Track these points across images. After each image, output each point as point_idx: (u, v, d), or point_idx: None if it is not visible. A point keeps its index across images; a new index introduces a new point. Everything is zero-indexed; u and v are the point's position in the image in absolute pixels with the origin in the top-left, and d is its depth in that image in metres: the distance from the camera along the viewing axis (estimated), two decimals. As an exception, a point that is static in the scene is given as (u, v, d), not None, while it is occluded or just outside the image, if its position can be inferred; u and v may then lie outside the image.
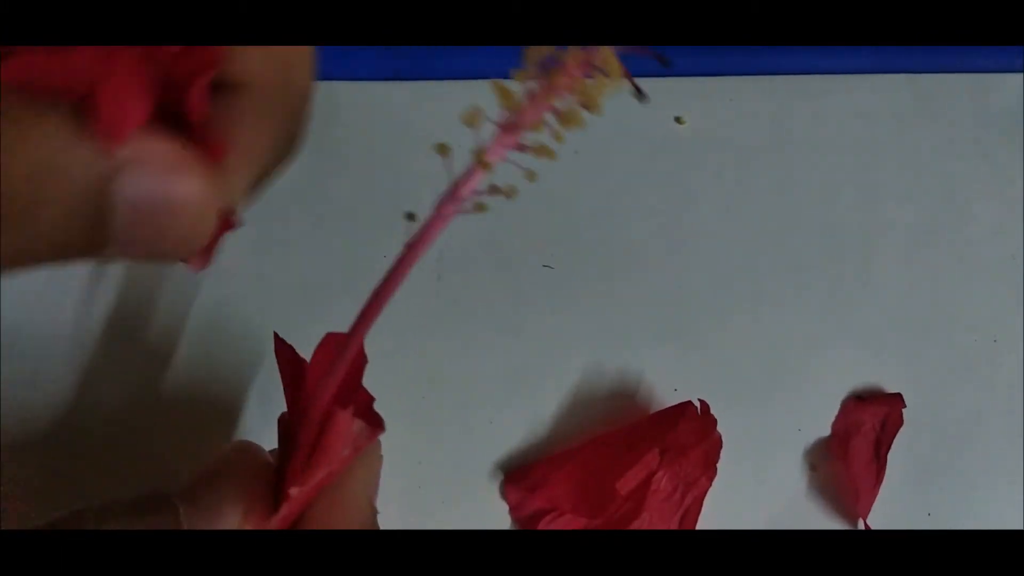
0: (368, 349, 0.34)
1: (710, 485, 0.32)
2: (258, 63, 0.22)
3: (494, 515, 0.32)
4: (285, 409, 0.26)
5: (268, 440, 0.26)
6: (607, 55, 0.21)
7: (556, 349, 0.34)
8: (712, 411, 0.32)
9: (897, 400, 0.34)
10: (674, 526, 0.32)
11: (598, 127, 0.36)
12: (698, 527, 0.32)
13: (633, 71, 0.37)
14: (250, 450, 0.26)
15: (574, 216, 0.35)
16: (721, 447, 0.32)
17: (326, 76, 0.36)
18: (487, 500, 0.32)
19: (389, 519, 0.32)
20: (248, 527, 0.25)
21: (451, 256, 0.34)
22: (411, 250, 0.24)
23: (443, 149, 0.22)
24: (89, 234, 0.18)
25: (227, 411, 0.32)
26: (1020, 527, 0.34)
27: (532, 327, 0.34)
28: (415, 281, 0.34)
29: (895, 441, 0.34)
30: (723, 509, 0.33)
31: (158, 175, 0.19)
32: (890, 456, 0.34)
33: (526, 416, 0.33)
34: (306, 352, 0.26)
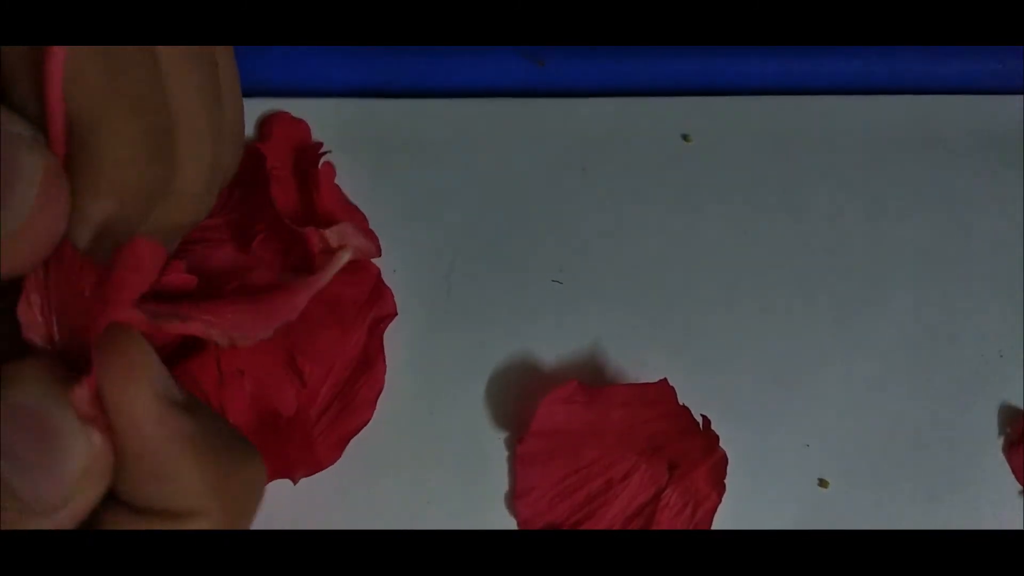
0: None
1: (720, 501, 0.32)
2: None
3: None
4: None
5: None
6: None
7: (565, 365, 0.34)
8: (720, 427, 0.32)
9: None
10: (684, 542, 0.32)
11: (605, 144, 0.36)
12: (707, 544, 0.32)
13: (636, 81, 0.37)
14: None
15: (582, 232, 0.35)
16: (727, 463, 0.32)
17: (321, 82, 0.37)
18: (495, 516, 0.32)
19: (398, 535, 0.32)
20: None
21: (460, 271, 0.34)
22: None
23: None
24: None
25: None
26: (1020, 527, 0.34)
27: (541, 342, 0.34)
28: (425, 296, 0.34)
29: (902, 458, 0.34)
30: (732, 526, 0.32)
31: None
32: (899, 474, 0.34)
33: (535, 431, 0.33)
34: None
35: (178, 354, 0.27)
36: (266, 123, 0.34)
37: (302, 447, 0.30)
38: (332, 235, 0.31)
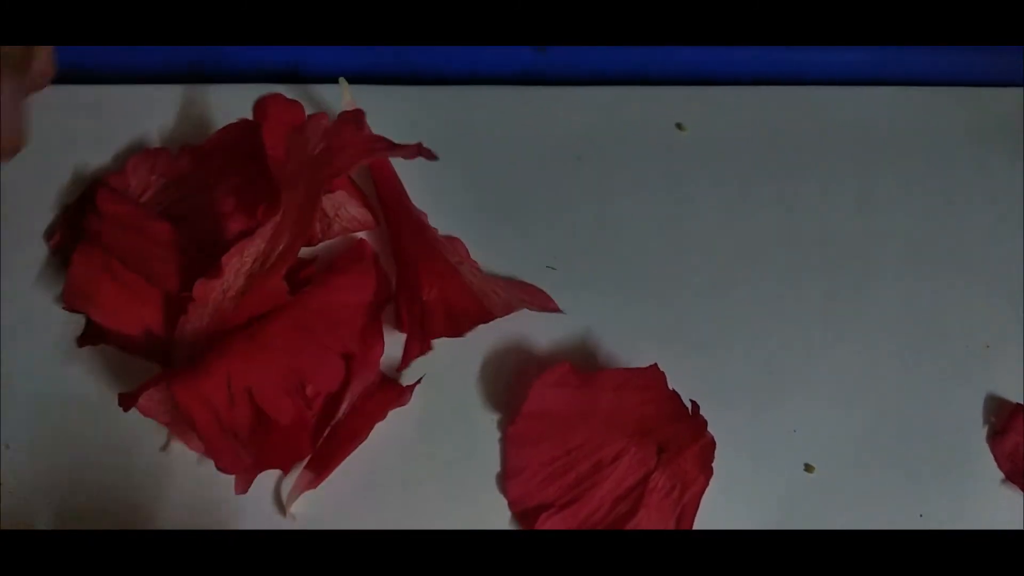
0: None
1: (707, 484, 0.32)
2: None
3: (494, 511, 0.33)
4: None
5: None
6: None
7: (557, 349, 0.35)
8: (710, 411, 0.32)
9: None
10: (671, 525, 0.32)
11: (600, 133, 0.37)
12: (695, 527, 0.33)
13: (632, 70, 0.38)
14: None
15: (576, 219, 0.36)
16: (715, 447, 0.33)
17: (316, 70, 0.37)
18: (487, 496, 0.33)
19: (390, 515, 0.32)
20: None
21: (455, 256, 0.35)
22: None
23: None
24: None
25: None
26: (1020, 527, 0.34)
27: (534, 327, 0.34)
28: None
29: (888, 445, 0.35)
30: (719, 509, 0.33)
31: None
32: (884, 461, 0.34)
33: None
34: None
35: (190, 372, 0.29)
36: (261, 105, 0.35)
37: (296, 447, 0.31)
38: (326, 202, 0.32)
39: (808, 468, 0.34)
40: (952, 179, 0.38)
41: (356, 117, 0.31)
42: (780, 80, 0.39)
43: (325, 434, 0.32)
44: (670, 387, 0.33)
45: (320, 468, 0.32)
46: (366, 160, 0.33)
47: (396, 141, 0.33)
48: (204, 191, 0.34)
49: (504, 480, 0.33)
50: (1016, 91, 0.40)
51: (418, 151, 0.29)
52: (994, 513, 0.34)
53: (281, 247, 0.30)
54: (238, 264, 0.30)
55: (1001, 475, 0.35)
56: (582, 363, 0.34)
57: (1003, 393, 0.35)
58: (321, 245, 0.34)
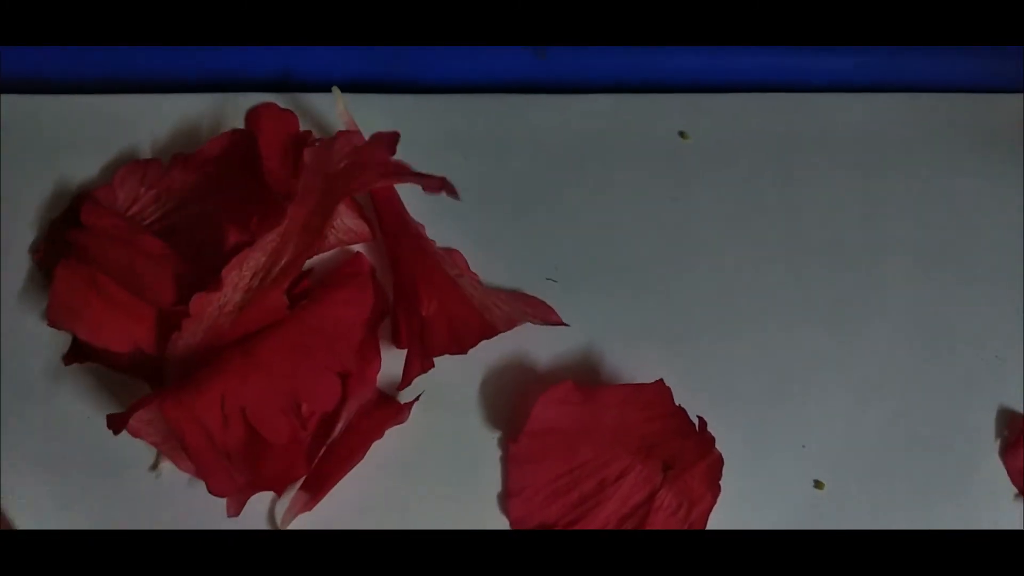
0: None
1: (715, 502, 0.32)
2: None
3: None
4: None
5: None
6: None
7: (560, 364, 0.34)
8: (717, 426, 0.31)
9: None
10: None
11: (602, 141, 0.36)
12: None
13: (634, 77, 0.37)
14: None
15: (577, 229, 0.35)
16: (723, 464, 0.32)
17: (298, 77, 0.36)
18: (488, 516, 0.32)
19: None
20: None
21: (454, 269, 0.34)
22: None
23: None
24: None
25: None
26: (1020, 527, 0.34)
27: (536, 341, 0.34)
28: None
29: (898, 460, 0.34)
30: (727, 527, 0.32)
31: None
32: (894, 475, 0.34)
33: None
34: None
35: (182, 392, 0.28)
36: (254, 114, 0.34)
37: (291, 467, 0.30)
38: None
39: (818, 484, 0.33)
40: (960, 186, 0.37)
41: (390, 140, 0.30)
42: (783, 87, 0.38)
43: (321, 454, 0.31)
44: (676, 403, 0.32)
45: (316, 489, 0.31)
46: (386, 183, 0.32)
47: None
48: (196, 203, 0.33)
49: (506, 499, 0.32)
50: (1018, 97, 0.39)
51: (442, 185, 0.28)
52: (1008, 528, 0.34)
53: (284, 261, 0.30)
54: (237, 278, 0.29)
55: (1014, 490, 0.34)
56: (585, 376, 0.34)
57: (1015, 406, 0.35)
58: (316, 258, 0.33)
